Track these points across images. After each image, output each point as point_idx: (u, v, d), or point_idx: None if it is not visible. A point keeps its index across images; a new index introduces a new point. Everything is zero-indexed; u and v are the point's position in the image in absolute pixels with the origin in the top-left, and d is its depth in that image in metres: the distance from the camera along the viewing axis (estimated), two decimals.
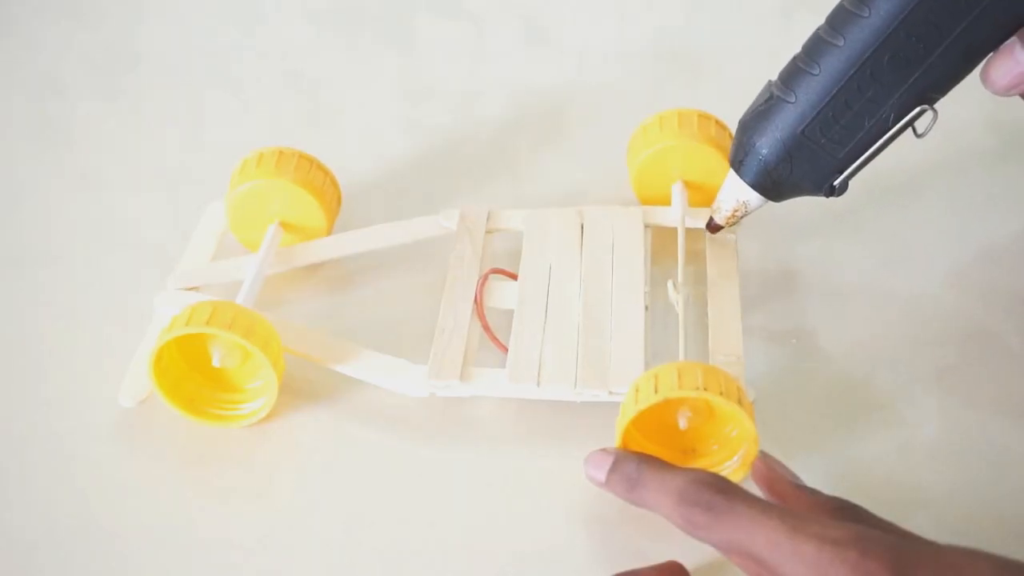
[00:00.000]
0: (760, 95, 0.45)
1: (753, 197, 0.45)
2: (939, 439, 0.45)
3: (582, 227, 0.50)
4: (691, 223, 0.50)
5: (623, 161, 0.54)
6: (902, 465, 0.44)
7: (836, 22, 0.42)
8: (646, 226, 0.50)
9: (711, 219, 0.48)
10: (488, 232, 0.51)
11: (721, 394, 0.39)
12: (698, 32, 0.68)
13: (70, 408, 0.47)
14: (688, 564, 0.40)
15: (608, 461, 0.40)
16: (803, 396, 0.46)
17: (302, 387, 0.47)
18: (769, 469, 0.40)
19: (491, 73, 0.66)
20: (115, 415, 0.46)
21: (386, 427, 0.46)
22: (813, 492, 0.39)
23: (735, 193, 0.46)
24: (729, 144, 0.52)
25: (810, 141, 0.43)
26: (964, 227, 0.54)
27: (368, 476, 0.44)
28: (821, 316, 0.50)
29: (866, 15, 0.41)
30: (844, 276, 0.51)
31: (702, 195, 0.52)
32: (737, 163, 0.45)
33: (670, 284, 0.46)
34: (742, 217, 0.46)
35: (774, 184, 0.44)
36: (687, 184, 0.52)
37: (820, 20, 0.72)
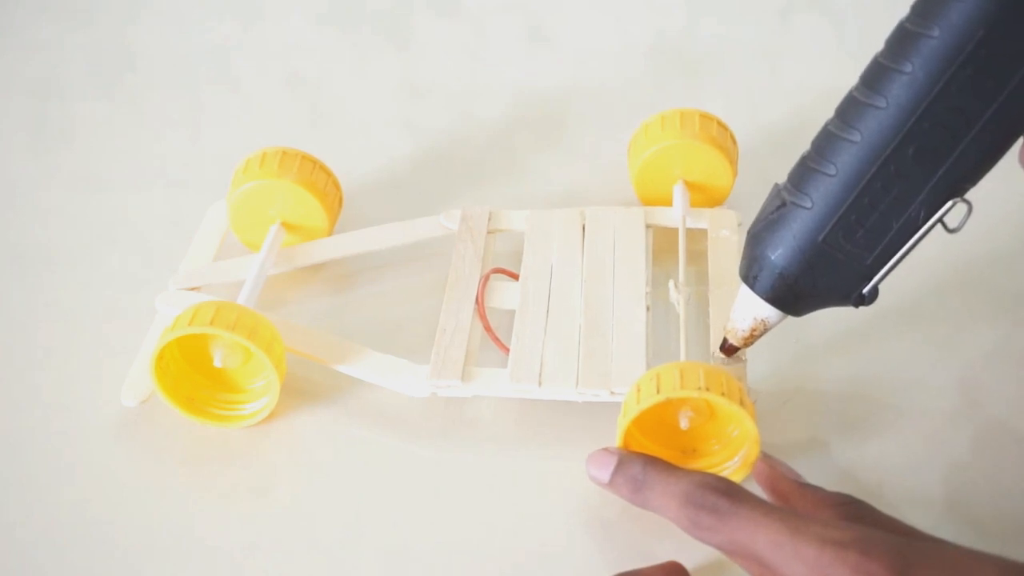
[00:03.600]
0: (769, 201, 0.40)
1: (772, 314, 0.41)
2: (940, 439, 0.44)
3: (583, 227, 0.50)
4: (692, 223, 0.50)
5: (624, 161, 0.54)
6: (903, 465, 0.43)
7: (848, 115, 0.37)
8: (647, 226, 0.50)
9: (725, 341, 0.43)
10: (489, 232, 0.51)
11: (723, 394, 0.39)
12: (698, 32, 0.68)
13: (71, 408, 0.47)
14: (689, 564, 0.40)
15: (612, 462, 0.40)
16: (804, 397, 0.46)
17: (304, 387, 0.47)
18: (771, 468, 0.40)
19: (492, 73, 0.66)
20: (117, 415, 0.46)
21: (388, 427, 0.46)
22: (816, 489, 0.39)
23: (751, 311, 0.41)
24: (730, 145, 0.52)
25: (832, 249, 0.39)
26: (966, 226, 0.53)
27: (369, 476, 0.44)
28: (822, 316, 0.50)
29: (883, 106, 0.36)
30: None
31: (703, 195, 0.52)
32: (751, 279, 0.40)
33: (671, 284, 0.46)
34: (760, 336, 0.42)
35: (795, 299, 0.40)
36: (688, 184, 0.52)
37: (819, 20, 0.73)
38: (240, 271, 0.50)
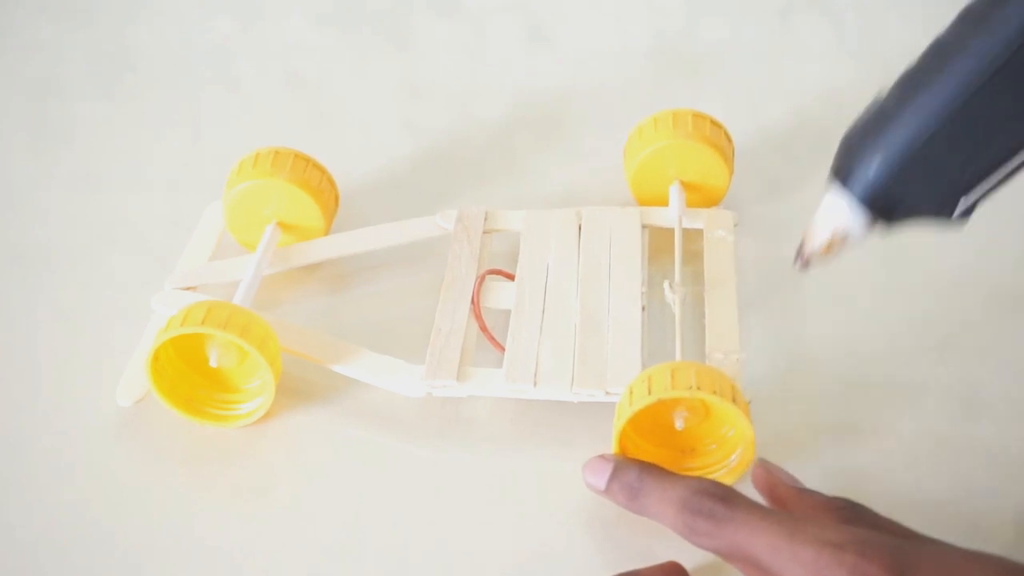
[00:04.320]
0: (869, 106, 0.38)
1: (858, 222, 0.38)
2: (939, 440, 0.44)
3: (580, 227, 0.50)
4: (688, 223, 0.50)
5: (623, 161, 0.54)
6: (902, 466, 0.43)
7: (965, 24, 0.36)
8: (644, 226, 0.50)
9: (801, 250, 0.41)
10: (486, 232, 0.51)
11: (715, 393, 0.39)
12: (698, 32, 0.68)
13: (69, 407, 0.47)
14: (688, 564, 0.40)
15: (607, 469, 0.40)
16: (802, 397, 0.46)
17: (300, 387, 0.47)
18: (769, 474, 0.40)
19: (491, 73, 0.66)
20: (113, 415, 0.46)
21: (384, 427, 0.46)
22: (814, 494, 0.39)
23: (835, 218, 0.39)
24: (725, 143, 0.52)
25: (933, 156, 0.37)
26: (968, 225, 0.53)
27: (366, 476, 0.44)
28: (820, 316, 0.50)
29: (1005, 10, 0.34)
30: (844, 276, 0.51)
31: (699, 195, 0.52)
32: (841, 180, 0.38)
33: (666, 284, 0.46)
34: (839, 250, 0.40)
35: (886, 206, 0.38)
36: (684, 184, 0.52)
37: (819, 20, 0.73)
38: (236, 271, 0.50)
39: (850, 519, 0.37)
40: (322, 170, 0.51)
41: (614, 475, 0.40)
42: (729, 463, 0.42)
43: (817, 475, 0.41)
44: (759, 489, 0.40)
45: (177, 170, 0.60)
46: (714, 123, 0.51)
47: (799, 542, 0.34)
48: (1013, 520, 0.42)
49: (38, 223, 0.56)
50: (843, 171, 0.38)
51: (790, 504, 0.39)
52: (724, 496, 0.36)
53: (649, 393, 0.39)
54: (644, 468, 0.40)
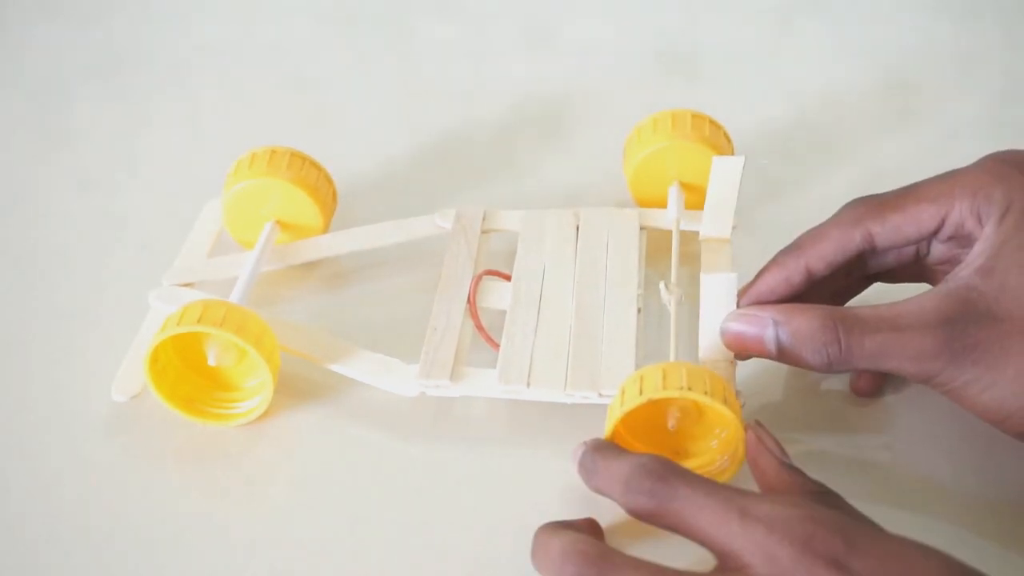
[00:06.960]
0: None
1: None
2: (936, 439, 0.44)
3: (577, 228, 0.50)
4: (686, 225, 0.50)
5: (622, 162, 0.54)
6: (897, 466, 0.43)
7: None
8: (642, 228, 0.50)
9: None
10: (484, 232, 0.51)
11: (706, 394, 0.39)
12: (698, 32, 0.68)
13: (65, 403, 0.47)
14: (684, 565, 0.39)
15: (579, 453, 0.40)
16: (798, 398, 0.46)
17: (300, 386, 0.47)
18: (758, 441, 0.40)
19: (491, 73, 0.66)
20: (111, 411, 0.46)
21: (380, 426, 0.45)
22: (795, 473, 0.38)
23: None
24: (724, 143, 0.52)
25: None
26: None
27: (364, 475, 0.44)
28: None
29: None
30: None
31: (699, 196, 0.52)
32: None
33: (662, 285, 0.46)
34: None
35: None
36: (684, 185, 0.52)
37: (820, 21, 0.73)
38: (234, 268, 0.50)
39: (822, 504, 0.37)
40: (319, 168, 0.51)
41: (580, 459, 0.40)
42: (723, 462, 0.42)
43: (812, 474, 0.41)
44: (747, 454, 0.40)
45: (177, 170, 0.60)
46: (713, 124, 0.51)
47: (751, 519, 0.34)
48: (1012, 519, 0.41)
49: (36, 220, 0.57)
50: None
51: (768, 475, 0.39)
52: (662, 474, 0.36)
53: (640, 393, 0.39)
54: (596, 448, 0.39)
